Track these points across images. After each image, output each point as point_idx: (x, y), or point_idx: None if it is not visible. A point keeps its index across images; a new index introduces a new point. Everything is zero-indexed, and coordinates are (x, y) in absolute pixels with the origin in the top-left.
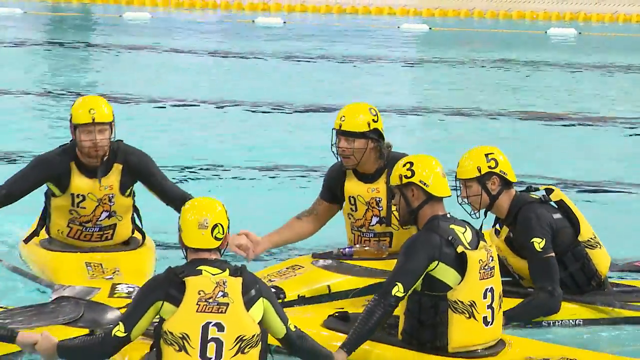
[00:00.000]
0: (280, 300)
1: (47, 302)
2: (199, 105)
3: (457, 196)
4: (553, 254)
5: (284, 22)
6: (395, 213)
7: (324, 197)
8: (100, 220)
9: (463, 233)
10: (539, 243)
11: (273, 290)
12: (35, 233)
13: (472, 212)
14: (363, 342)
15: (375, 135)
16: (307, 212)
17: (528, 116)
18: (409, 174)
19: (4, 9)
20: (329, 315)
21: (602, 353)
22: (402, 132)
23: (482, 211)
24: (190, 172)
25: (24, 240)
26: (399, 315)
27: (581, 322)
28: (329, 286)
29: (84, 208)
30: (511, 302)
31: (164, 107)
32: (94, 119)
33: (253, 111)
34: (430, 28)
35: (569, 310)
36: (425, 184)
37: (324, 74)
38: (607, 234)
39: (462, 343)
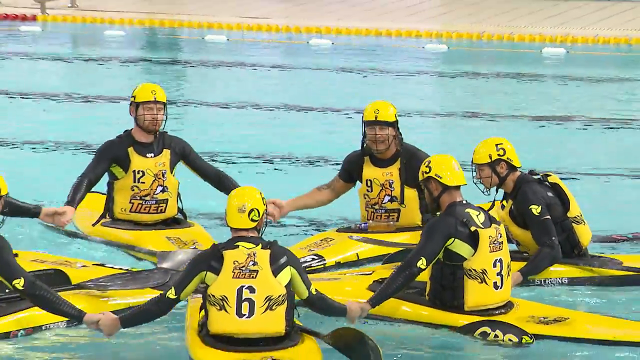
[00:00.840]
0: (322, 266)
1: (141, 269)
2: (264, 109)
3: (473, 177)
4: (549, 217)
5: (332, 43)
6: (407, 192)
7: (341, 176)
8: (156, 194)
9: (477, 215)
10: (536, 209)
11: (317, 257)
12: (102, 216)
13: (485, 190)
14: (386, 300)
15: (397, 125)
16: (325, 185)
17: (526, 117)
18: (427, 170)
19: (110, 31)
20: (374, 281)
21: (588, 313)
22: (425, 130)
23: (494, 189)
24: (252, 160)
25: (92, 224)
26: (426, 281)
27: (566, 281)
28: (357, 254)
29: (144, 183)
30: (515, 264)
31: (238, 110)
32: (155, 98)
33: (306, 112)
34: (448, 48)
35: (557, 270)
36: (439, 176)
37: (364, 83)
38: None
39: (476, 303)
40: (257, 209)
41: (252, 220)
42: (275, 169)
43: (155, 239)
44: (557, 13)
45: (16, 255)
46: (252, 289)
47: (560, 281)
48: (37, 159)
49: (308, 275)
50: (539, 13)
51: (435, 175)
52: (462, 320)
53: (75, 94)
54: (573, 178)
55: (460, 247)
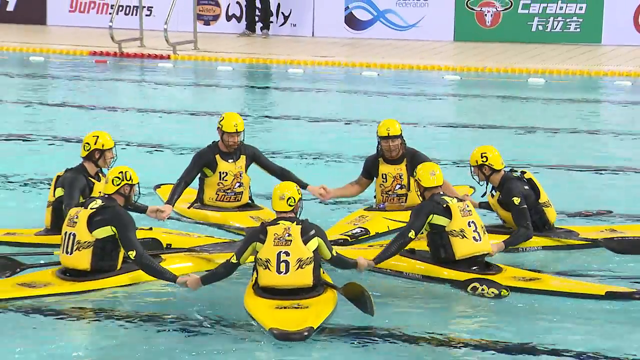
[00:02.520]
0: (366, 235)
1: (234, 240)
2: (330, 121)
3: (471, 172)
4: (525, 206)
5: (378, 75)
6: (412, 181)
7: (363, 175)
8: (235, 188)
9: (450, 200)
10: (516, 200)
11: (363, 229)
12: (195, 202)
13: (479, 182)
14: (386, 260)
15: (402, 135)
16: (355, 181)
17: (516, 128)
18: (414, 174)
19: (222, 66)
20: (404, 250)
21: (553, 276)
22: (442, 138)
23: (485, 182)
24: (320, 158)
25: (187, 207)
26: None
27: (540, 248)
28: (388, 226)
29: (227, 181)
30: (500, 236)
31: (310, 122)
32: (236, 129)
33: (359, 124)
34: (461, 78)
35: (534, 241)
36: (420, 180)
37: (401, 103)
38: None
39: (462, 253)
40: (293, 197)
41: (289, 205)
42: (333, 164)
43: (242, 218)
44: (538, 53)
45: (150, 228)
46: (287, 253)
47: (536, 249)
48: (165, 158)
49: (356, 243)
50: (525, 53)
51: (418, 178)
52: (460, 277)
53: (197, 111)
54: (552, 169)
55: (438, 219)
